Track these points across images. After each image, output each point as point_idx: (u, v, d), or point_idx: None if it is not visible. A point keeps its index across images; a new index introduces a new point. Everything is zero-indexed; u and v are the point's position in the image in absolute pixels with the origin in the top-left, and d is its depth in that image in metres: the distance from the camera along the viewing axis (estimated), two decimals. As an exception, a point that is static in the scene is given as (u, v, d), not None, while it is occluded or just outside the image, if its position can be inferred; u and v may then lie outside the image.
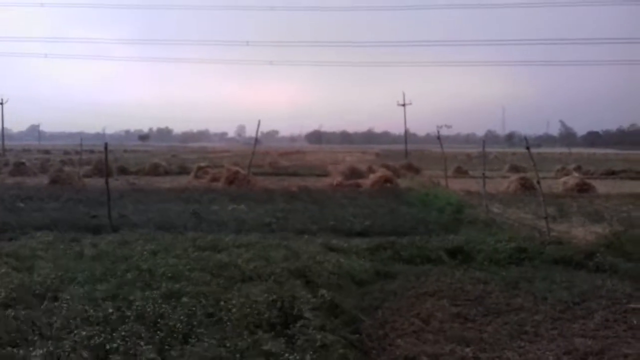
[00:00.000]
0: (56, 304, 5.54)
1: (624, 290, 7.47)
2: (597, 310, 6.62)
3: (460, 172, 33.21)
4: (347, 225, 11.93)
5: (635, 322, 6.22)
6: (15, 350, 4.29)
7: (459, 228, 11.85)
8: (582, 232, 11.63)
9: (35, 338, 4.56)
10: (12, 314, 5.08)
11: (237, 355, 4.37)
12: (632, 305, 6.78)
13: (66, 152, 66.53)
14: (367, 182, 23.98)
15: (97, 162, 30.62)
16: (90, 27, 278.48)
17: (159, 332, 4.71)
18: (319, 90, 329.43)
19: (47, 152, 73.63)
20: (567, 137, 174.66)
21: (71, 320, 4.95)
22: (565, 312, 6.58)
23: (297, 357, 4.41)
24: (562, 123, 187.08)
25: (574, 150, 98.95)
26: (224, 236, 10.18)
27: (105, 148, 13.64)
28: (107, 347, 4.36)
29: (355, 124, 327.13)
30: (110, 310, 5.19)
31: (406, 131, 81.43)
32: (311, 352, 4.57)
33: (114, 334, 4.62)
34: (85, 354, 4.20)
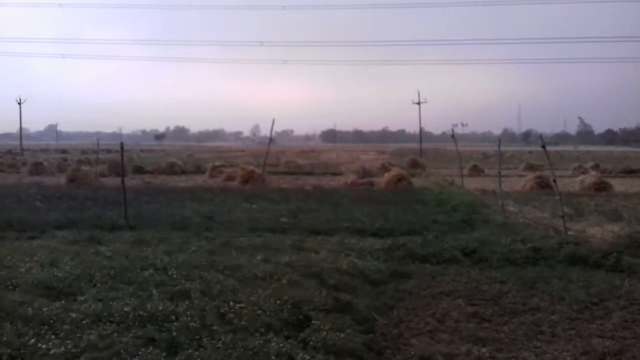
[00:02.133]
0: (75, 301, 5.61)
1: (642, 290, 7.37)
2: (615, 311, 6.53)
3: (476, 171, 32.91)
4: (361, 224, 11.90)
5: (654, 323, 6.13)
6: (33, 347, 4.34)
7: (474, 227, 11.77)
8: (599, 232, 11.45)
9: (53, 337, 4.61)
10: (31, 311, 5.14)
11: (249, 355, 4.37)
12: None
13: (83, 152, 67.26)
14: (381, 181, 23.93)
15: (111, 162, 30.87)
16: (108, 27, 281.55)
17: (169, 332, 4.74)
18: (334, 89, 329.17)
19: (64, 151, 74.51)
20: (585, 134, 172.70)
21: (86, 319, 5.00)
22: (582, 312, 6.51)
23: (310, 358, 4.40)
24: (581, 120, 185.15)
25: (592, 148, 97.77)
26: (237, 235, 10.24)
27: (122, 148, 13.78)
28: (120, 346, 4.39)
29: (370, 122, 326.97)
30: (126, 310, 5.23)
31: (421, 130, 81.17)
32: (324, 353, 4.56)
33: (128, 333, 4.66)
34: (98, 353, 4.23)
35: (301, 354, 4.46)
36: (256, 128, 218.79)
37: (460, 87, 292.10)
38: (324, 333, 4.93)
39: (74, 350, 4.28)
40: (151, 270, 6.85)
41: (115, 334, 4.63)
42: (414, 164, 38.04)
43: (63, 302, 5.59)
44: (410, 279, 8.00)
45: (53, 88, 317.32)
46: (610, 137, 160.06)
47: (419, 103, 78.23)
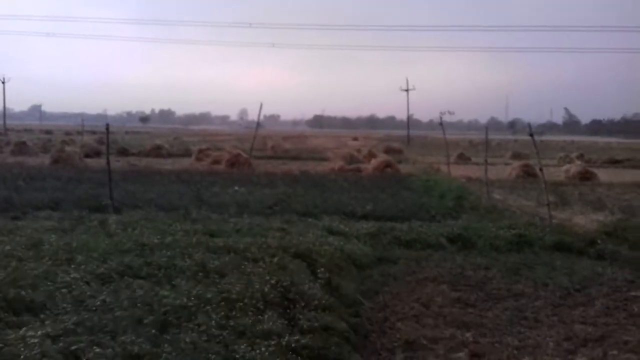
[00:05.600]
0: (57, 283, 5.53)
1: (624, 277, 7.50)
2: (597, 298, 6.64)
3: (463, 159, 33.11)
4: (348, 209, 11.91)
5: (635, 309, 6.23)
6: (11, 330, 4.27)
7: (460, 214, 11.84)
8: (583, 220, 11.60)
9: (34, 319, 4.54)
10: (12, 294, 5.05)
11: (238, 335, 4.37)
12: (633, 293, 6.78)
13: (67, 133, 66.37)
14: (368, 167, 23.96)
15: (89, 144, 30.51)
16: (94, 6, 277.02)
17: (158, 313, 4.71)
18: (322, 74, 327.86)
19: (48, 132, 73.46)
20: (571, 125, 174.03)
21: (68, 303, 4.93)
22: (565, 299, 6.61)
23: (298, 338, 4.41)
24: (567, 110, 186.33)
25: (577, 138, 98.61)
26: (225, 218, 10.21)
27: (107, 129, 13.59)
28: (109, 328, 4.36)
29: (358, 108, 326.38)
30: (108, 289, 5.19)
31: (409, 117, 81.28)
32: (311, 334, 4.57)
33: (117, 314, 4.63)
34: (83, 335, 4.19)
35: (289, 334, 4.47)
36: (243, 112, 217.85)
37: (449, 75, 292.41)
38: (312, 315, 4.95)
39: (53, 334, 4.20)
40: (137, 252, 6.80)
41: (99, 315, 4.58)
42: (389, 151, 38.19)
43: (42, 284, 5.49)
44: (396, 264, 8.06)
45: (37, 67, 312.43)
46: (595, 127, 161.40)
47: (407, 90, 78.34)
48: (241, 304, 4.95)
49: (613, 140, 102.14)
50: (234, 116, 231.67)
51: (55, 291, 5.19)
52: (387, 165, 23.43)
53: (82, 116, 68.00)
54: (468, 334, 5.41)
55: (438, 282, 7.22)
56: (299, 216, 10.91)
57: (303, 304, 5.21)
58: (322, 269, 6.49)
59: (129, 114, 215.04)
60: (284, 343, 4.29)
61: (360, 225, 10.20)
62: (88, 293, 5.17)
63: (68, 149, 27.94)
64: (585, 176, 22.26)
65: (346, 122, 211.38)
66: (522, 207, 13.80)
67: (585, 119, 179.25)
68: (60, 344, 3.97)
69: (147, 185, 15.03)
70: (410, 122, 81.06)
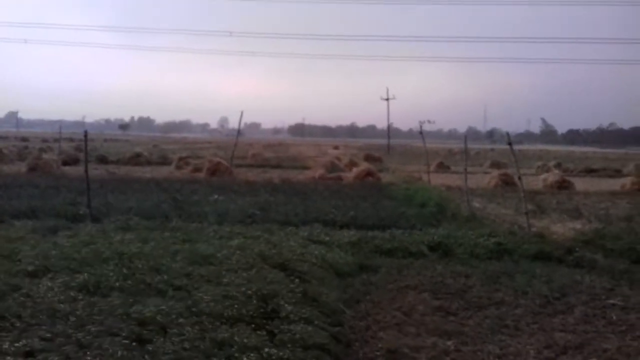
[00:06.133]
0: (31, 294, 5.40)
1: (602, 285, 7.58)
2: (576, 305, 6.69)
3: (442, 168, 33.34)
4: (329, 217, 11.89)
5: (613, 317, 6.30)
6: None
7: (441, 222, 11.90)
8: (561, 228, 11.74)
9: (5, 334, 4.42)
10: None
11: (216, 349, 4.30)
12: (611, 301, 6.86)
13: (45, 140, 65.34)
14: (349, 175, 23.99)
15: (67, 152, 30.11)
16: (71, 12, 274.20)
17: (134, 324, 4.62)
18: (303, 82, 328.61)
19: (25, 139, 72.23)
20: (548, 134, 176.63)
21: (42, 314, 4.82)
22: (545, 307, 6.65)
23: (278, 351, 4.36)
24: (544, 120, 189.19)
25: (554, 148, 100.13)
26: (205, 227, 10.11)
27: (85, 136, 13.42)
28: (82, 340, 4.26)
29: (338, 117, 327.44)
30: (84, 301, 5.08)
31: (389, 126, 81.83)
32: (291, 345, 4.53)
33: (90, 327, 4.53)
34: (59, 347, 4.09)
35: (269, 347, 4.41)
36: (224, 120, 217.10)
37: (429, 85, 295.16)
38: (293, 325, 4.90)
39: (27, 349, 4.09)
40: (114, 262, 6.69)
41: (73, 328, 4.48)
42: (369, 159, 38.39)
43: (16, 295, 5.36)
44: (378, 272, 8.04)
45: (14, 74, 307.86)
46: (572, 137, 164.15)
47: (387, 99, 78.88)
48: (218, 315, 4.88)
49: (589, 149, 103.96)
50: (214, 124, 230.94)
51: (28, 303, 5.06)
52: (368, 173, 23.47)
53: (60, 123, 67.11)
54: (449, 343, 5.41)
55: (419, 290, 7.22)
56: (280, 225, 10.84)
57: (283, 314, 5.16)
58: (303, 279, 6.45)
59: (107, 121, 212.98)
60: (264, 355, 4.23)
61: (342, 233, 10.18)
62: (62, 305, 5.05)
63: (45, 156, 27.53)
64: (563, 185, 22.56)
65: (327, 131, 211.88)
66: (501, 215, 13.93)
67: (562, 128, 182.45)
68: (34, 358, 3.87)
69: (126, 194, 14.83)
70: (390, 131, 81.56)
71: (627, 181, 23.61)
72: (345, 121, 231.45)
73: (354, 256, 8.68)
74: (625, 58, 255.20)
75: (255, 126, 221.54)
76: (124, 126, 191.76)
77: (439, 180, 22.82)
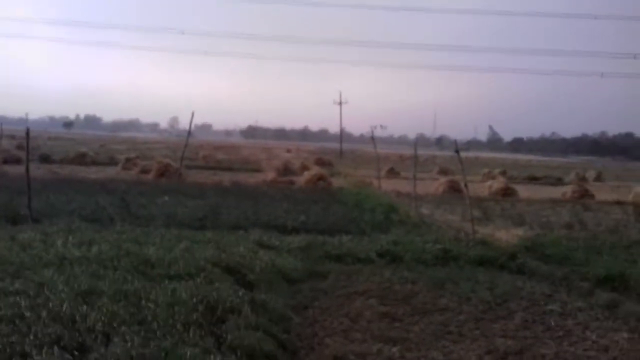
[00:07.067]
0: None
1: (542, 291, 7.85)
2: (517, 311, 6.91)
3: (393, 173, 33.83)
4: (280, 222, 11.87)
5: (552, 323, 6.54)
6: None
7: (390, 228, 12.06)
8: (505, 235, 12.10)
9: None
10: None
11: (162, 356, 4.22)
12: (549, 307, 7.12)
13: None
14: (300, 179, 24.03)
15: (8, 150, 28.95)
16: (14, 4, 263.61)
17: (77, 332, 4.48)
18: (256, 84, 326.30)
19: (-38, 135, 68.85)
20: (494, 142, 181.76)
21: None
22: (487, 313, 6.84)
23: (224, 358, 4.32)
24: (491, 128, 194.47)
25: (500, 155, 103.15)
26: (152, 230, 9.91)
27: (27, 134, 12.92)
28: (20, 349, 4.10)
29: (291, 120, 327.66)
30: (24, 308, 4.89)
31: (342, 130, 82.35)
32: (238, 353, 4.49)
33: (29, 336, 4.36)
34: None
35: (214, 354, 4.36)
36: (174, 120, 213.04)
37: (380, 90, 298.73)
38: (239, 332, 4.86)
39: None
40: (56, 267, 6.47)
41: (16, 335, 4.31)
42: (321, 163, 38.60)
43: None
44: (326, 278, 8.08)
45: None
46: (517, 145, 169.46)
47: (340, 103, 79.42)
48: (164, 323, 4.79)
49: (533, 157, 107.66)
50: (164, 124, 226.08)
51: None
52: (320, 178, 23.59)
53: (1, 120, 64.41)
54: (395, 349, 5.49)
55: (367, 296, 7.29)
56: (230, 229, 10.75)
57: (231, 321, 5.11)
58: (252, 284, 6.41)
59: (52, 118, 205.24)
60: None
61: (292, 238, 10.18)
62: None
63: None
64: (507, 192, 23.30)
65: (279, 134, 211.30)
66: (448, 221, 14.24)
67: (507, 136, 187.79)
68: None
69: (69, 195, 14.36)
70: (342, 135, 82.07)
71: (567, 189, 24.68)
72: (298, 124, 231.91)
73: (303, 261, 8.70)
74: (567, 69, 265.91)
75: (206, 127, 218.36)
76: (68, 124, 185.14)
77: (389, 185, 23.14)
